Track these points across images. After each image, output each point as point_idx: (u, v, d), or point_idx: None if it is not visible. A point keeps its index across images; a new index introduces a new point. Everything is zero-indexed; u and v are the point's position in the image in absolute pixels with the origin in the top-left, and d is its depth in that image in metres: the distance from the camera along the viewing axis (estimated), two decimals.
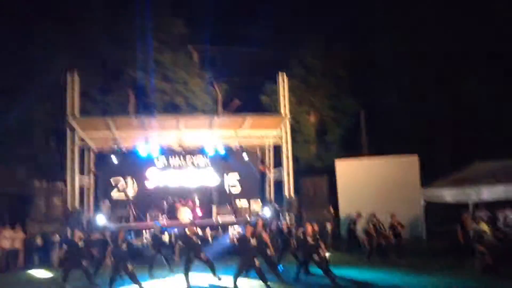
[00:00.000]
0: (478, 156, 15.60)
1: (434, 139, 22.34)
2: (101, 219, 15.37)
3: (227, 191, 18.60)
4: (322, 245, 10.63)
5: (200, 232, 11.11)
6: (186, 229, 11.12)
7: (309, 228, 10.74)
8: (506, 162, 14.08)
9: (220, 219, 16.30)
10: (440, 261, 11.95)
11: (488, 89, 19.57)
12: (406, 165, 15.21)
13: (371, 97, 22.42)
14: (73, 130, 15.48)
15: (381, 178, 15.36)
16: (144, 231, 14.94)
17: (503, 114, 19.24)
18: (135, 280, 9.84)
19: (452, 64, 20.74)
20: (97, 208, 16.87)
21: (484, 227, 12.43)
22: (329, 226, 15.55)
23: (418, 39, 21.62)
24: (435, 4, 21.56)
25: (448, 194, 13.67)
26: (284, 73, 17.48)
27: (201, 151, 18.01)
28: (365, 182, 15.51)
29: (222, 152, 17.61)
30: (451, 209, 13.98)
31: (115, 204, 16.85)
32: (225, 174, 18.77)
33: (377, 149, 20.02)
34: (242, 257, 10.06)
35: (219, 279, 10.46)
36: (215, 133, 17.08)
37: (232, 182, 18.89)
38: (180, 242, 10.79)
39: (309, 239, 10.56)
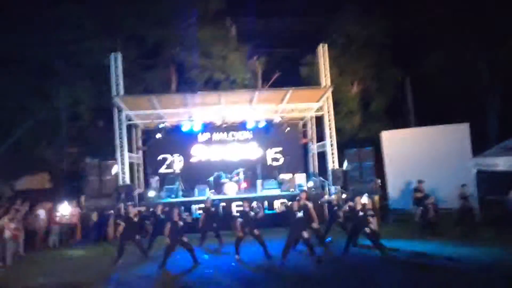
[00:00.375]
0: None
1: (484, 106, 21.43)
2: (151, 194, 15.93)
3: (271, 165, 18.72)
4: (372, 218, 10.59)
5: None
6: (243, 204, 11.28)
7: (358, 201, 10.69)
8: None
9: (265, 193, 16.45)
10: (491, 231, 11.67)
11: None
12: (456, 134, 14.64)
13: (416, 64, 21.60)
14: (119, 108, 15.90)
15: (429, 148, 14.90)
16: (193, 205, 15.28)
17: None
18: (192, 252, 10.16)
19: (501, 28, 19.56)
20: (147, 183, 17.43)
21: None
22: (376, 199, 15.39)
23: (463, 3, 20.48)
24: None
25: (501, 163, 13.14)
26: (325, 44, 17.12)
27: (243, 126, 18.10)
28: (413, 153, 15.12)
29: (264, 125, 17.61)
30: (504, 178, 13.49)
31: (163, 179, 17.31)
32: (268, 148, 18.87)
33: (423, 118, 19.44)
34: (291, 229, 10.17)
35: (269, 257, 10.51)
36: (257, 108, 17.07)
37: (275, 155, 18.98)
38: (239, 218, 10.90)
39: (359, 212, 10.53)
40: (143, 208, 13.54)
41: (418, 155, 14.97)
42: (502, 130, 18.57)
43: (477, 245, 10.50)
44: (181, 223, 10.34)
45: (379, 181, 15.69)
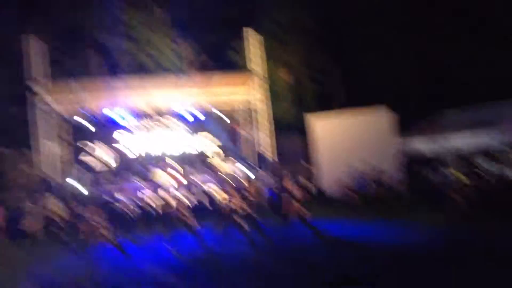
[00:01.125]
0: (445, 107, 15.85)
1: (405, 92, 22.48)
2: (73, 185, 15.05)
3: (201, 152, 18.38)
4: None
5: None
6: None
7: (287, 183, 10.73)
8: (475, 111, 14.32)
9: (197, 180, 16.11)
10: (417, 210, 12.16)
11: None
12: (379, 118, 15.20)
13: (344, 51, 22.19)
14: (36, 94, 14.83)
15: (355, 132, 15.34)
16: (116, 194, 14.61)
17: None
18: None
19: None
20: (69, 174, 16.42)
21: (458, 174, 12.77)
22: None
23: None
24: None
25: (422, 145, 13.85)
26: (252, 29, 17.03)
27: (171, 112, 17.55)
28: (340, 137, 15.47)
29: (194, 112, 17.23)
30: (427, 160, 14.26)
31: (87, 169, 16.41)
32: (197, 134, 18.48)
33: (351, 104, 19.99)
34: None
35: None
36: (185, 93, 16.63)
37: (206, 142, 18.65)
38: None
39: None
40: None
41: (345, 139, 15.37)
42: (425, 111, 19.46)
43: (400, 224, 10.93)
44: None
45: (308, 165, 15.95)
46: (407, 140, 14.90)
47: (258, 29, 18.19)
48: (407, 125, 16.46)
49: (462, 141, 13.01)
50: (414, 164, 15.20)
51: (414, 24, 21.05)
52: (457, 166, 14.25)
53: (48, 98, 15.45)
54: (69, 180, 15.40)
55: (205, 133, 18.45)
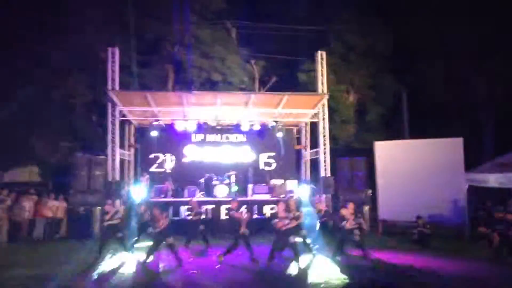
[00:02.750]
0: None
1: (478, 122, 21.48)
2: (140, 192, 15.72)
3: (263, 169, 18.59)
4: (361, 225, 10.50)
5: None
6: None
7: (343, 211, 10.59)
8: None
9: (256, 197, 16.33)
10: (478, 248, 11.65)
11: None
12: (450, 148, 14.59)
13: (413, 77, 21.65)
14: (113, 103, 15.75)
15: (422, 161, 14.82)
16: (181, 206, 15.12)
17: None
18: (175, 252, 9.99)
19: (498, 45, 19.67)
20: (137, 181, 17.23)
21: None
22: (366, 209, 15.36)
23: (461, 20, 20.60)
24: None
25: (492, 179, 13.10)
26: (323, 51, 17.10)
27: (237, 128, 17.96)
28: (406, 165, 15.02)
29: (258, 129, 17.52)
30: (495, 194, 13.47)
31: (154, 178, 17.13)
32: (261, 152, 18.74)
33: (418, 131, 19.43)
34: (277, 234, 10.07)
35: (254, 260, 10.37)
36: (252, 111, 16.99)
37: (268, 160, 18.84)
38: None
39: (346, 221, 10.43)
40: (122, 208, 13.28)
41: (411, 168, 14.88)
42: (497, 147, 18.53)
43: (461, 259, 10.48)
44: (165, 223, 10.15)
45: (370, 191, 15.62)
46: (476, 173, 14.17)
47: (329, 51, 18.22)
48: (479, 158, 15.73)
49: None
50: (480, 197, 14.53)
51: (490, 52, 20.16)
52: None
53: (125, 109, 16.34)
54: (138, 188, 16.12)
55: (269, 152, 18.68)
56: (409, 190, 14.28)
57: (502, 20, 19.35)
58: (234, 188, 16.86)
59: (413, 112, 22.37)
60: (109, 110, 15.86)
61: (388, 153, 15.78)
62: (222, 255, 10.31)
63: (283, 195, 16.14)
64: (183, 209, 15.04)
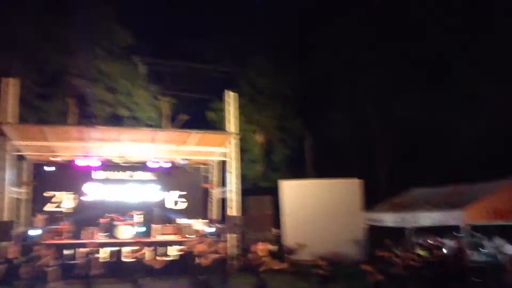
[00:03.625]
0: (414, 181, 16.34)
1: (374, 163, 23.18)
2: (34, 233, 14.37)
3: (169, 208, 18.03)
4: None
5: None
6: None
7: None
8: (440, 189, 14.80)
9: (160, 237, 15.73)
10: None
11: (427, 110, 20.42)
12: (349, 189, 15.54)
13: (317, 118, 22.94)
14: (6, 137, 14.41)
15: (324, 200, 15.56)
16: (78, 248, 14.01)
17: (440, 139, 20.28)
18: None
19: (397, 82, 21.60)
20: (31, 221, 15.72)
21: (420, 252, 13.06)
22: (271, 247, 15.49)
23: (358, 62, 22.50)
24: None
25: (388, 219, 14.09)
26: (232, 91, 17.43)
27: (143, 166, 17.37)
28: (309, 204, 15.65)
29: (166, 167, 17.11)
30: (392, 233, 14.42)
31: (50, 218, 15.75)
32: (167, 191, 18.21)
33: (322, 171, 20.41)
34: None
35: None
36: (159, 148, 16.58)
37: (175, 199, 18.36)
38: None
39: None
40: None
41: (314, 207, 15.54)
42: (392, 183, 19.84)
43: None
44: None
45: (276, 230, 15.88)
46: (374, 212, 15.15)
47: (238, 92, 18.64)
48: (376, 198, 16.86)
49: (427, 218, 13.32)
50: (377, 236, 15.41)
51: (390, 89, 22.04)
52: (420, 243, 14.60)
53: (20, 143, 15.04)
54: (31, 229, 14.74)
55: (176, 190, 18.26)
56: (313, 228, 14.81)
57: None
58: (141, 229, 16.10)
59: (317, 152, 23.52)
60: (1, 144, 14.45)
61: (293, 192, 16.34)
62: None
63: (192, 235, 15.81)
64: (79, 252, 13.92)
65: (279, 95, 23.62)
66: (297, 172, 21.93)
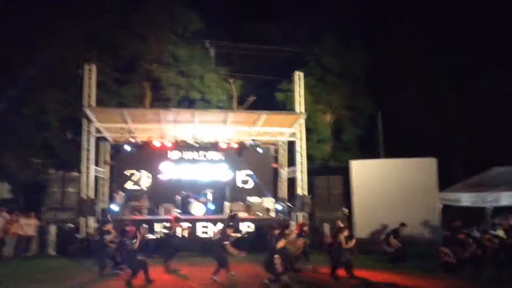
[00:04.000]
0: (495, 161, 15.38)
1: (451, 142, 22.10)
2: (115, 209, 15.50)
3: (240, 187, 18.57)
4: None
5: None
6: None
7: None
8: None
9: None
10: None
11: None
12: (424, 168, 14.98)
13: (389, 98, 22.22)
14: (89, 120, 15.56)
15: (397, 180, 15.14)
16: (156, 223, 14.91)
17: None
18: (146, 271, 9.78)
19: (472, 64, 20.42)
20: (111, 198, 16.94)
21: (500, 233, 12.35)
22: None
23: (435, 41, 21.43)
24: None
25: (465, 198, 13.46)
26: (301, 72, 17.39)
27: (214, 146, 17.97)
28: (381, 184, 15.31)
29: (236, 147, 17.58)
30: (468, 214, 13.79)
31: (129, 195, 16.88)
32: (237, 170, 18.73)
33: (393, 151, 19.84)
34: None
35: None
36: (229, 129, 17.05)
37: (245, 178, 18.85)
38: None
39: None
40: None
41: (385, 187, 15.16)
42: (467, 168, 19.00)
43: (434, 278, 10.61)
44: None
45: (346, 210, 15.77)
46: (450, 192, 14.52)
47: (307, 72, 18.53)
48: (452, 178, 16.14)
49: (508, 198, 12.54)
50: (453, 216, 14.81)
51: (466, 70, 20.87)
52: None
53: (101, 125, 16.16)
54: (113, 205, 15.87)
55: (246, 170, 18.70)
56: (384, 208, 14.51)
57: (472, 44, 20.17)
58: (211, 206, 16.78)
59: (388, 132, 22.85)
60: (84, 127, 15.64)
61: (364, 172, 16.05)
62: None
63: (260, 213, 16.18)
64: (158, 227, 14.83)
65: (349, 74, 23.12)
66: (368, 152, 21.48)
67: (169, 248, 11.84)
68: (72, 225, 14.54)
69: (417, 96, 22.20)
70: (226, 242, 10.04)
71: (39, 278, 10.25)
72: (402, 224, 12.87)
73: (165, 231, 13.67)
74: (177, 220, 12.68)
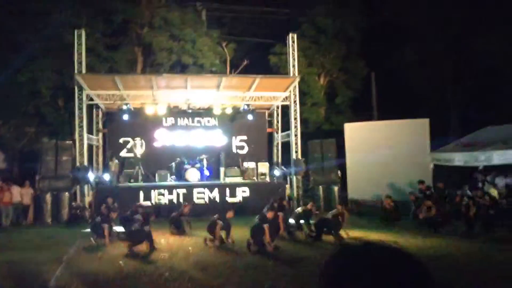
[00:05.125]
0: (490, 122, 15.40)
1: (445, 103, 22.08)
2: (107, 178, 15.57)
3: (235, 153, 18.61)
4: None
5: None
6: None
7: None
8: None
9: (228, 180, 16.38)
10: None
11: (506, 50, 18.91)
12: (416, 129, 15.02)
13: (383, 59, 21.96)
14: (80, 87, 15.37)
15: (390, 141, 15.20)
16: (152, 190, 15.03)
17: None
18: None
19: (468, 24, 20.09)
20: (106, 166, 16.97)
21: (493, 191, 12.58)
22: (335, 189, 15.67)
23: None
24: None
25: (458, 158, 13.55)
26: (294, 34, 17.09)
27: (209, 112, 17.87)
28: (374, 146, 15.37)
29: (230, 113, 17.49)
30: (459, 173, 13.94)
31: (123, 163, 16.91)
32: (233, 136, 18.72)
33: (387, 112, 19.81)
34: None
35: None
36: (224, 94, 16.90)
37: (240, 143, 18.87)
38: None
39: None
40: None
41: (379, 148, 15.22)
42: (464, 127, 18.99)
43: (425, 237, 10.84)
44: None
45: (339, 172, 15.91)
46: (443, 152, 14.62)
47: (301, 35, 18.21)
48: (447, 139, 16.22)
49: (501, 157, 12.63)
50: (445, 176, 15.00)
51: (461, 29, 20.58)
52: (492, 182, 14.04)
53: (92, 93, 15.97)
54: (105, 174, 15.93)
55: (240, 135, 18.69)
56: (377, 170, 14.66)
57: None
58: (206, 172, 16.86)
59: (382, 94, 22.75)
60: (76, 94, 15.47)
61: (358, 135, 16.10)
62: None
63: (255, 178, 16.31)
64: (153, 194, 14.96)
65: (343, 36, 22.74)
66: (362, 114, 21.43)
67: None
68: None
69: (413, 57, 21.93)
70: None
71: (37, 246, 10.37)
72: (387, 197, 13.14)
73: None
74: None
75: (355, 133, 16.12)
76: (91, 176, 14.99)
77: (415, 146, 14.69)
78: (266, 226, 9.56)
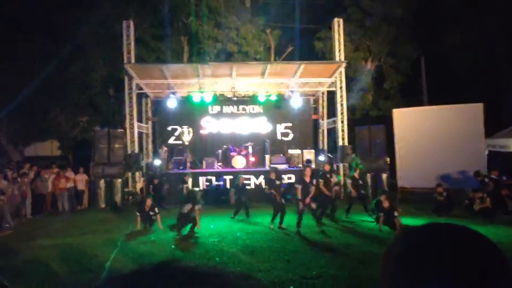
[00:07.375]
0: None
1: (499, 88, 20.93)
2: (158, 163, 16.03)
3: (280, 140, 18.59)
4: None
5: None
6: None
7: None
8: None
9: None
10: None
11: None
12: (470, 114, 14.33)
13: (433, 42, 21.07)
14: (130, 77, 15.81)
15: (441, 127, 14.59)
16: (200, 176, 15.33)
17: None
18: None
19: None
20: (155, 154, 17.46)
21: None
22: (384, 176, 15.33)
23: None
24: None
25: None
26: (340, 18, 16.71)
27: (254, 99, 17.91)
28: (424, 132, 14.82)
29: (275, 100, 17.44)
30: None
31: (172, 150, 17.32)
32: (278, 123, 18.69)
33: (437, 97, 19.08)
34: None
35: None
36: (268, 81, 16.87)
37: (285, 130, 18.81)
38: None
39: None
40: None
41: (430, 135, 14.69)
42: None
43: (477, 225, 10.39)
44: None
45: (388, 159, 15.53)
46: (498, 138, 13.94)
47: (347, 19, 17.79)
48: (502, 125, 15.43)
49: None
50: (502, 165, 14.28)
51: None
52: None
53: (141, 82, 16.39)
54: (156, 160, 16.38)
55: (286, 122, 18.62)
56: (428, 157, 14.17)
57: None
58: (252, 158, 16.97)
59: (432, 79, 21.90)
60: (126, 84, 15.94)
61: (407, 120, 15.58)
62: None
63: (300, 165, 16.22)
64: (201, 180, 15.26)
65: (391, 19, 21.95)
66: (411, 100, 20.74)
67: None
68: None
69: (464, 39, 20.90)
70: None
71: (92, 230, 10.84)
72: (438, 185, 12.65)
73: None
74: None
75: (405, 118, 15.59)
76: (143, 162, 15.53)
77: (468, 132, 14.05)
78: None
